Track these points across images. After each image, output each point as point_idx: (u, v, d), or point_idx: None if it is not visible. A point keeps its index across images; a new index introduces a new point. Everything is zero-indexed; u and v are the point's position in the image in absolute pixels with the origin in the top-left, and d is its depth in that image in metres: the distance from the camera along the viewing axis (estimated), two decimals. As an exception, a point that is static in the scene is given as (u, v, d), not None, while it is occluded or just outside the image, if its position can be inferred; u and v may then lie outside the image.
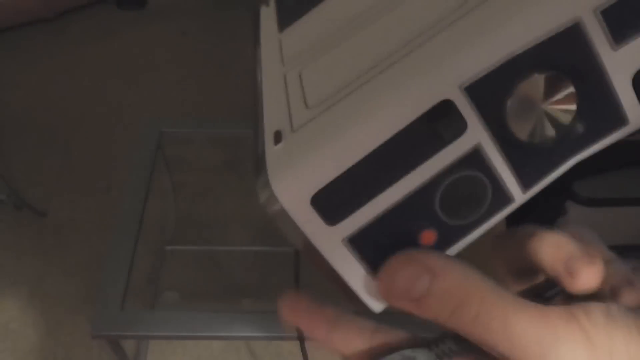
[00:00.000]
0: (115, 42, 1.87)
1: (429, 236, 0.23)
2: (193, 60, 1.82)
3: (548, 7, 0.21)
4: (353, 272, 0.23)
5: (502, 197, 0.23)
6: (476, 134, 0.22)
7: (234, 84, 1.70)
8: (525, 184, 0.23)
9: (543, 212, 1.05)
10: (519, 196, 0.23)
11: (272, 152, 0.23)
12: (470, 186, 0.22)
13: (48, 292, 1.30)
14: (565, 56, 0.21)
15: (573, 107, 0.22)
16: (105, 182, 1.48)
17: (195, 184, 1.44)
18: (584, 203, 1.16)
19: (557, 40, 0.21)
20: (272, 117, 0.25)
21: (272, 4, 0.33)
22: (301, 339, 0.25)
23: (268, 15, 0.32)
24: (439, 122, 0.21)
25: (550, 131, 0.22)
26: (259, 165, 0.23)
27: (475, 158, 0.22)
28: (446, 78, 0.21)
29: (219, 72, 1.75)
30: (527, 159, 0.23)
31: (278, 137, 0.23)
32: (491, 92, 0.21)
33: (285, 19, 0.30)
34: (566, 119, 0.22)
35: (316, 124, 0.23)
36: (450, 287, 0.22)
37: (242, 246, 1.29)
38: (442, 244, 0.23)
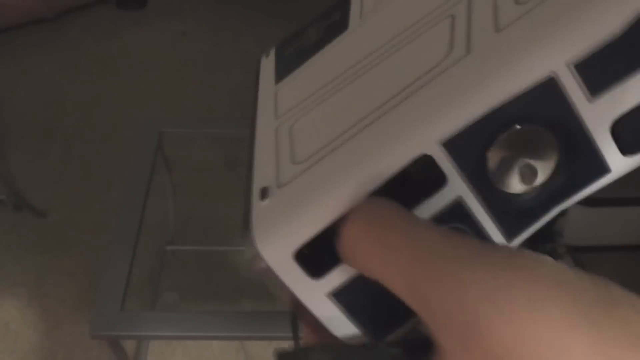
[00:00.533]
0: (115, 42, 1.87)
1: None
2: (193, 60, 1.82)
3: (523, 64, 0.21)
4: (338, 325, 0.24)
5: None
6: (457, 187, 0.22)
7: (234, 84, 1.69)
8: (510, 234, 0.23)
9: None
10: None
11: (258, 208, 0.24)
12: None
13: (48, 292, 1.30)
14: (542, 109, 0.21)
15: (554, 158, 0.22)
16: (105, 182, 1.48)
17: (195, 184, 1.44)
18: (584, 203, 1.16)
19: (534, 94, 0.21)
20: (261, 172, 0.26)
21: (272, 55, 0.33)
22: (295, 338, 0.26)
23: (267, 66, 0.33)
24: (418, 177, 0.22)
25: (532, 183, 0.22)
26: (245, 220, 0.24)
27: (457, 210, 0.22)
28: (424, 134, 0.21)
29: (219, 72, 1.75)
30: (510, 210, 0.23)
31: (265, 193, 0.24)
32: (470, 146, 0.22)
33: (282, 71, 0.31)
34: (547, 170, 0.22)
35: (300, 182, 0.23)
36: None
37: (242, 246, 1.29)
38: None
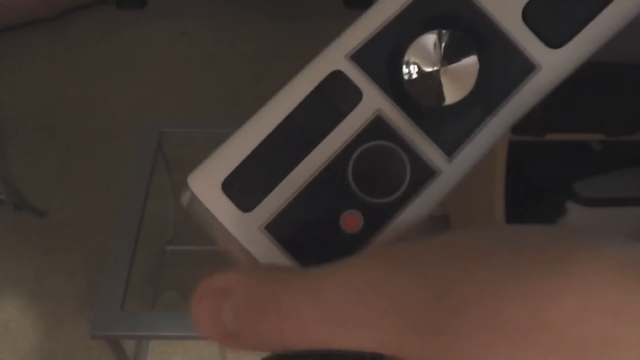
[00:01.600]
0: (115, 42, 1.87)
1: (352, 219, 0.22)
2: (193, 60, 1.82)
3: None
4: (271, 260, 0.23)
5: (423, 167, 0.22)
6: (374, 101, 0.22)
7: (234, 84, 1.69)
8: (447, 152, 0.22)
9: (543, 212, 1.05)
10: (445, 166, 0.22)
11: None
12: (383, 158, 0.22)
13: (48, 292, 1.30)
14: (443, 9, 0.21)
15: (472, 62, 0.21)
16: (105, 182, 1.48)
17: (195, 184, 1.44)
18: (584, 203, 1.16)
19: None
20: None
21: None
22: None
23: None
24: (332, 94, 0.22)
25: (455, 91, 0.22)
26: None
27: (380, 127, 0.22)
28: (332, 52, 0.22)
29: (219, 72, 1.75)
30: (439, 124, 0.22)
31: None
32: (380, 57, 0.22)
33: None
34: (468, 75, 0.22)
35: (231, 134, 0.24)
36: (250, 298, 0.19)
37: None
38: (370, 228, 0.22)
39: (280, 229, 0.22)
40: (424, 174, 0.22)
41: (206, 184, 0.23)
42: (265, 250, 0.23)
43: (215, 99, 1.67)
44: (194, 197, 0.23)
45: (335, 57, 0.22)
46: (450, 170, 0.22)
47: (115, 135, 1.58)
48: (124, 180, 1.07)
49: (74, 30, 1.90)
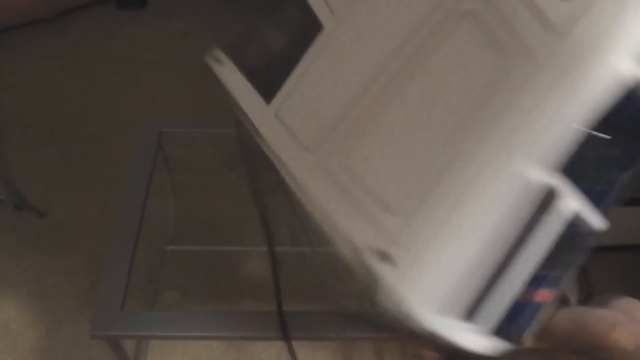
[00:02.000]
0: (115, 42, 1.87)
1: (544, 295, 0.24)
2: (193, 60, 1.81)
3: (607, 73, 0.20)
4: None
5: (588, 234, 0.25)
6: (573, 205, 0.23)
7: (234, 84, 1.69)
8: (605, 214, 0.25)
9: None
10: (601, 226, 0.25)
11: (386, 272, 0.23)
12: (563, 239, 0.24)
13: (48, 292, 1.30)
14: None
15: None
16: (105, 182, 1.48)
17: (195, 184, 1.44)
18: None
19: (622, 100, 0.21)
20: (353, 229, 0.23)
21: (227, 61, 0.29)
22: (287, 338, 0.25)
23: (232, 77, 0.29)
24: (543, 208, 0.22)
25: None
26: (367, 289, 0.23)
27: (573, 224, 0.24)
28: (540, 166, 0.20)
29: (219, 72, 1.75)
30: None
31: (384, 256, 0.23)
32: (587, 162, 0.21)
33: (265, 87, 0.27)
34: None
35: (418, 234, 0.22)
36: None
37: (242, 246, 1.29)
38: (554, 294, 0.24)
39: (503, 326, 0.24)
40: (588, 239, 0.25)
41: (441, 314, 0.23)
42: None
43: (215, 99, 1.67)
44: (420, 323, 0.23)
45: (544, 172, 0.21)
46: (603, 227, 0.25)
47: (115, 135, 1.58)
48: (124, 180, 1.07)
49: (74, 30, 1.90)
